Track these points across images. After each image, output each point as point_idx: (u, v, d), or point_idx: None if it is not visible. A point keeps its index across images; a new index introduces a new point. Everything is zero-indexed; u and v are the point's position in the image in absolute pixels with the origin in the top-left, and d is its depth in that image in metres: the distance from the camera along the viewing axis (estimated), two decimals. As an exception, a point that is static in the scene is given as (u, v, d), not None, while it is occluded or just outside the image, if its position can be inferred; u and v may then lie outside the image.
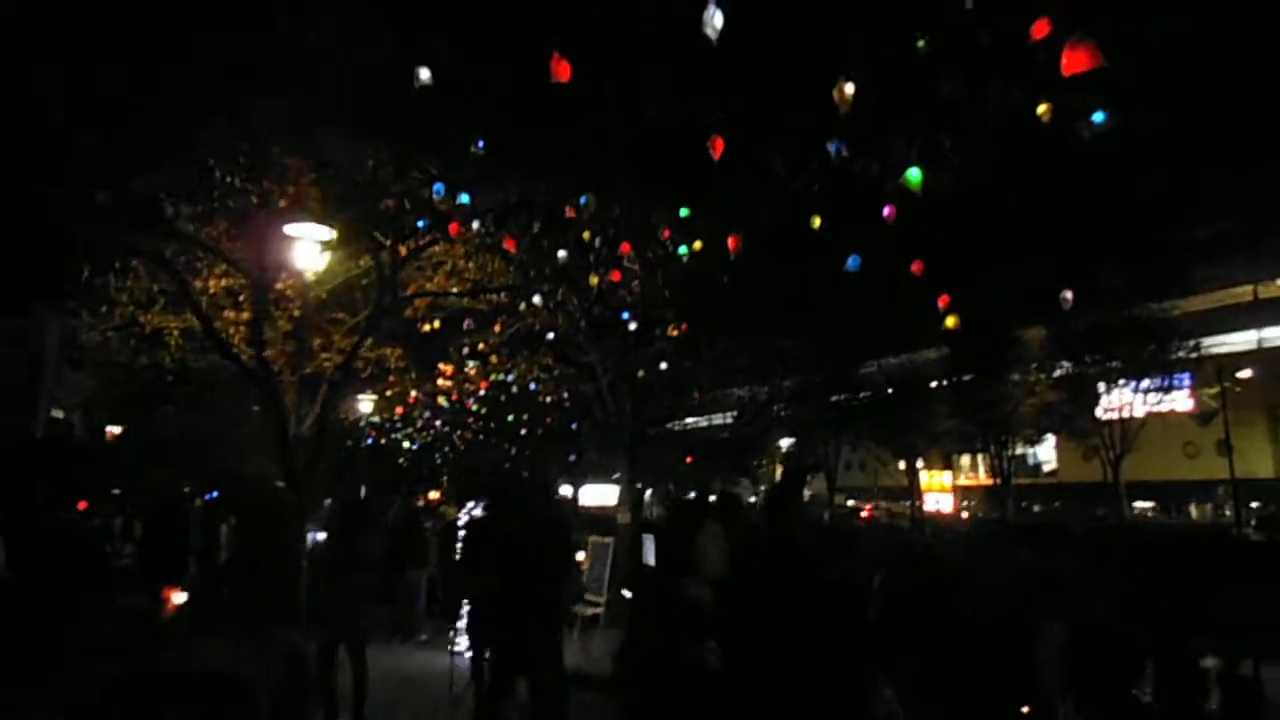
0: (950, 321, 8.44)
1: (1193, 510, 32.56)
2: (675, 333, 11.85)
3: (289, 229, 10.10)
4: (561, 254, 9.77)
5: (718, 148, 5.71)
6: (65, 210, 10.21)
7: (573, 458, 26.10)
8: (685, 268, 10.21)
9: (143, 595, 10.63)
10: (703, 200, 8.15)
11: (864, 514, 33.59)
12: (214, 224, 10.97)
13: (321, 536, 8.94)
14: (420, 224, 9.37)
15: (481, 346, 13.88)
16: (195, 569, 11.33)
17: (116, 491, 22.48)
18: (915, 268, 7.39)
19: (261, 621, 7.58)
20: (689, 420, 28.70)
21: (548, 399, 15.02)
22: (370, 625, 7.54)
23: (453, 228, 9.12)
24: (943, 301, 8.30)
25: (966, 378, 31.02)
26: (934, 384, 32.48)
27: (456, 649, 9.62)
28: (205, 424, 22.92)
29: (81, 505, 15.49)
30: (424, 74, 6.05)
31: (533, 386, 14.36)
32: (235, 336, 12.54)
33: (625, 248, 9.33)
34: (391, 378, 16.12)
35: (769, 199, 7.71)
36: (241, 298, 12.82)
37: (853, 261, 7.16)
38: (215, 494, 19.18)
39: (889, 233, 6.51)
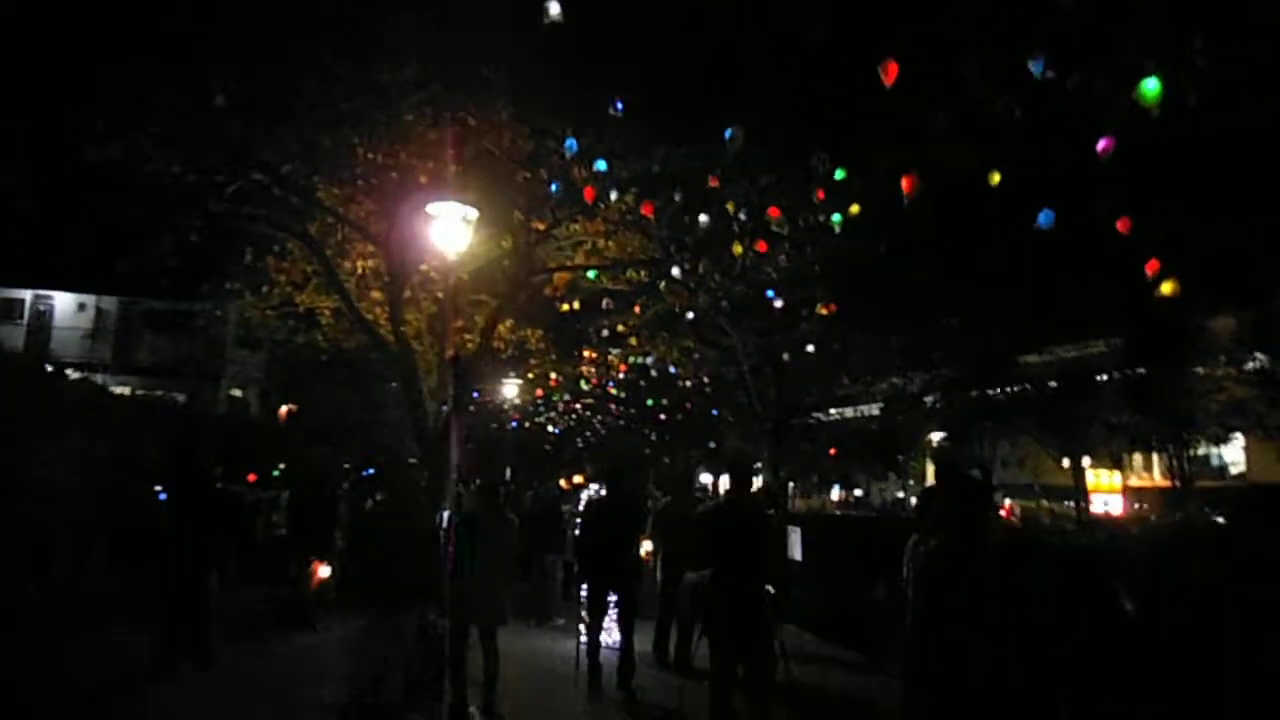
0: (1167, 288, 6.99)
1: None
2: (825, 311, 10.93)
3: (431, 208, 9.89)
4: (703, 219, 9.03)
5: (891, 72, 4.84)
6: (224, 195, 10.39)
7: (713, 445, 25.36)
8: (837, 240, 9.30)
9: (289, 567, 10.74)
10: (861, 159, 7.28)
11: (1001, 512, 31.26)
12: (359, 203, 10.92)
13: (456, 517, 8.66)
14: (553, 187, 8.86)
15: (621, 328, 13.39)
16: (342, 543, 11.38)
17: (282, 466, 23.54)
18: (1121, 225, 6.18)
19: (399, 598, 7.31)
20: (832, 411, 27.35)
21: (687, 383, 14.38)
22: (505, 608, 7.10)
23: (588, 193, 8.60)
24: (1151, 268, 6.97)
25: (1142, 370, 28.15)
26: (1103, 377, 29.67)
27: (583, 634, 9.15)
28: (361, 405, 23.64)
29: (250, 478, 16.14)
30: (554, 9, 5.50)
31: (672, 370, 13.74)
32: (381, 316, 12.58)
33: (774, 211, 8.50)
34: (532, 360, 15.91)
35: (945, 136, 6.65)
36: (388, 279, 12.88)
37: (1045, 217, 6.08)
38: (371, 471, 19.68)
39: (1093, 178, 5.40)
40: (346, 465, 20.38)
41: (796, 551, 9.00)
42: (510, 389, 18.60)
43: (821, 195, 8.32)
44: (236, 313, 23.18)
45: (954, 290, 13.06)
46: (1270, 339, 25.75)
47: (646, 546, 10.01)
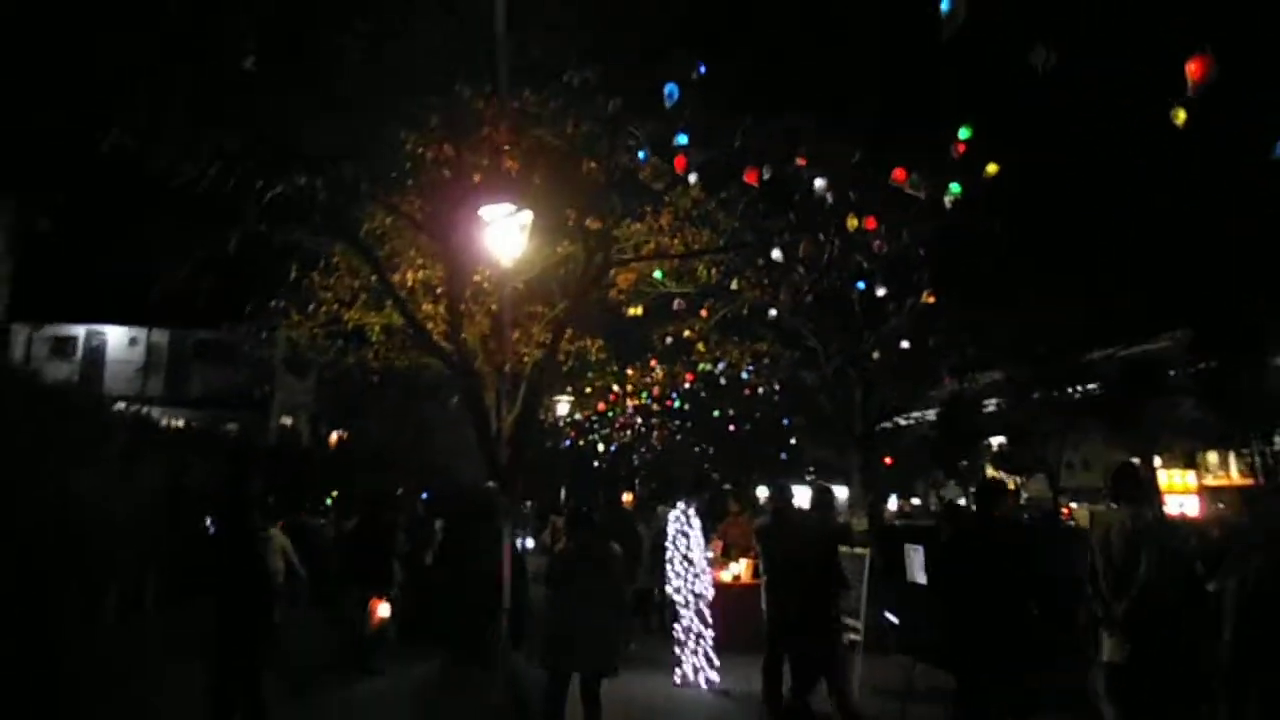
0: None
1: None
2: (930, 299, 9.70)
3: (484, 211, 8.94)
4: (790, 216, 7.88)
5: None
6: (262, 201, 9.50)
7: (784, 456, 23.93)
8: (944, 218, 8.11)
9: (343, 605, 9.72)
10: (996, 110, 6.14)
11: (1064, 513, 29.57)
12: (410, 202, 9.94)
13: (530, 544, 7.57)
14: (641, 156, 7.76)
15: (688, 334, 12.26)
16: (402, 575, 10.35)
17: (335, 494, 22.68)
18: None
19: (471, 639, 6.22)
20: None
21: (759, 390, 13.22)
22: (616, 653, 5.94)
23: (679, 162, 7.52)
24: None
25: (1214, 364, 26.40)
26: (1173, 372, 27.88)
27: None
28: (412, 429, 22.77)
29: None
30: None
31: (744, 375, 12.59)
32: (434, 331, 11.60)
33: (900, 174, 7.26)
34: (590, 374, 14.82)
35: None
36: (439, 290, 11.92)
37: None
38: (426, 495, 18.69)
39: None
40: (400, 490, 19.48)
41: (919, 574, 7.79)
42: (564, 406, 17.57)
43: (962, 149, 7.07)
44: (284, 339, 22.52)
45: (1031, 280, 11.78)
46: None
47: (739, 568, 8.83)
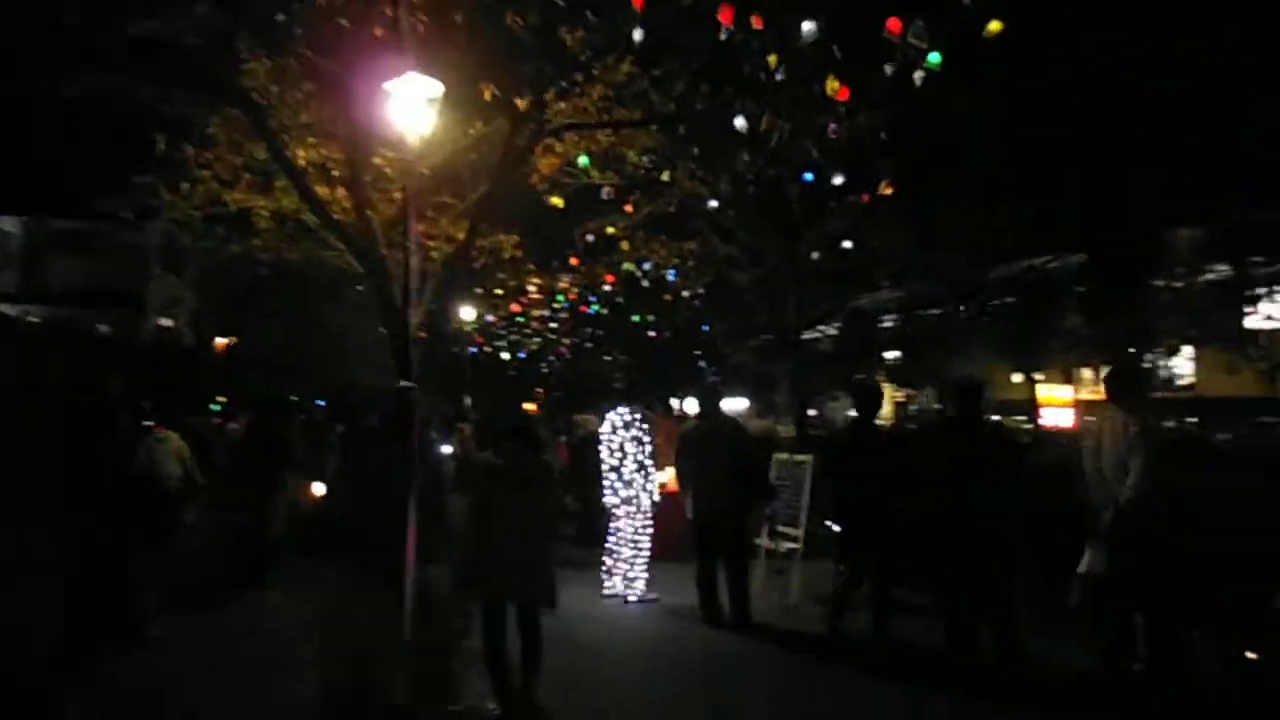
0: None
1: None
2: (889, 190, 8.94)
3: (388, 85, 7.64)
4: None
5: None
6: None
7: (703, 364, 23.15)
8: (906, 105, 7.31)
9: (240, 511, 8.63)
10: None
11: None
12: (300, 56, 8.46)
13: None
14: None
15: (612, 231, 11.25)
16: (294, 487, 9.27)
17: (223, 400, 20.96)
18: None
19: (381, 557, 5.28)
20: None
21: (684, 293, 12.40)
22: (554, 583, 5.06)
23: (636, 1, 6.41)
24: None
25: (1102, 285, 27.21)
26: (1070, 291, 28.60)
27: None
28: (309, 334, 21.10)
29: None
30: None
31: (671, 276, 11.71)
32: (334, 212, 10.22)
33: (894, 24, 6.31)
34: (501, 274, 13.68)
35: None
36: (335, 173, 10.48)
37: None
38: (324, 402, 17.30)
39: None
40: (295, 398, 18.08)
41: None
42: (470, 311, 16.34)
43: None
44: (160, 236, 20.22)
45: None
46: (1232, 249, 25.01)
47: (665, 476, 8.18)
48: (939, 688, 5.36)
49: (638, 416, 7.59)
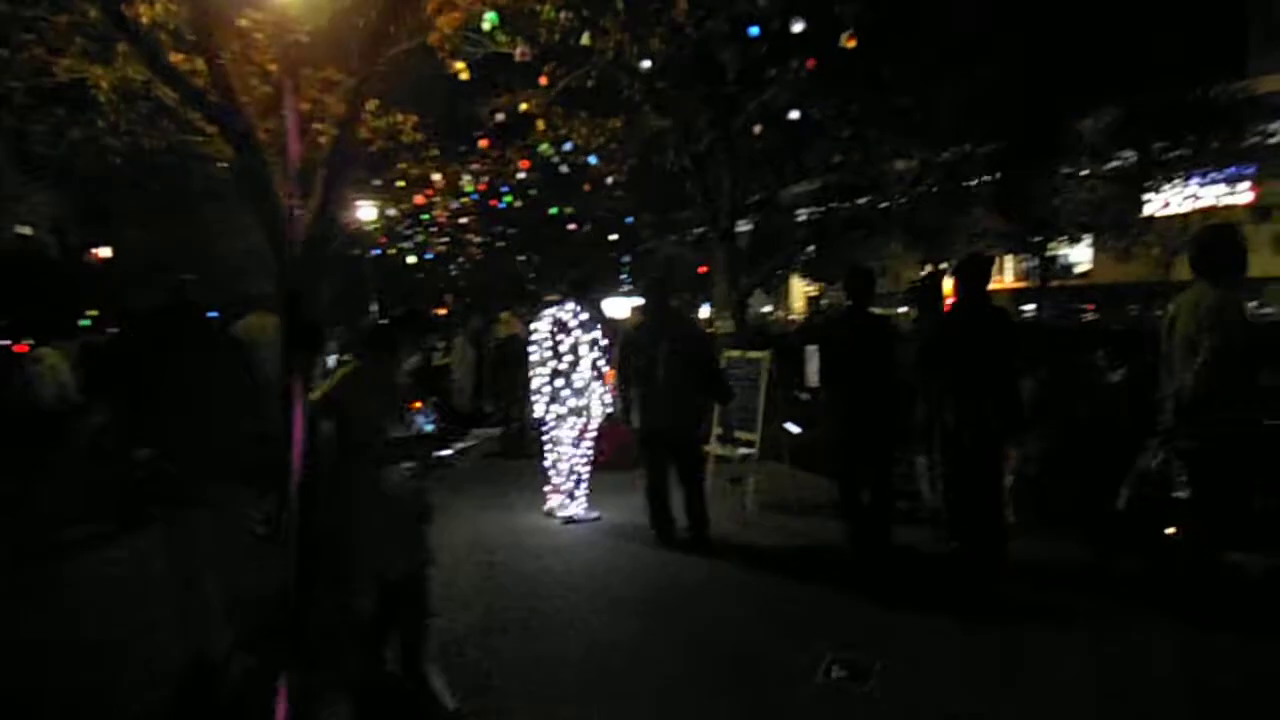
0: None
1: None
2: (852, 43, 7.71)
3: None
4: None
5: None
6: None
7: (626, 258, 21.58)
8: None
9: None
10: None
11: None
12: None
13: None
14: None
15: (524, 108, 9.75)
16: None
17: (94, 314, 18.75)
18: None
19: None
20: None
21: (607, 179, 11.01)
22: (425, 545, 3.75)
23: None
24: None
25: (1011, 173, 26.92)
26: (975, 181, 28.25)
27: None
28: (189, 240, 18.83)
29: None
30: None
31: (591, 161, 10.32)
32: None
33: None
34: (402, 164, 12.01)
35: None
36: (191, 36, 8.58)
37: None
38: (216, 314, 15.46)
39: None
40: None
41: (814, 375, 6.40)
42: (370, 210, 14.58)
43: None
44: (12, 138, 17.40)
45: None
46: (1135, 136, 24.97)
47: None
48: (929, 602, 4.63)
49: (589, 315, 6.43)
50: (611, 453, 7.56)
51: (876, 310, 5.76)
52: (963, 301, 5.10)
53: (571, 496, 6.60)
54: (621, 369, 5.91)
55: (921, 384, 5.34)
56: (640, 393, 5.78)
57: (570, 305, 6.44)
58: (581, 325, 6.40)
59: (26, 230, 22.21)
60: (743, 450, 6.53)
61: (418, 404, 3.90)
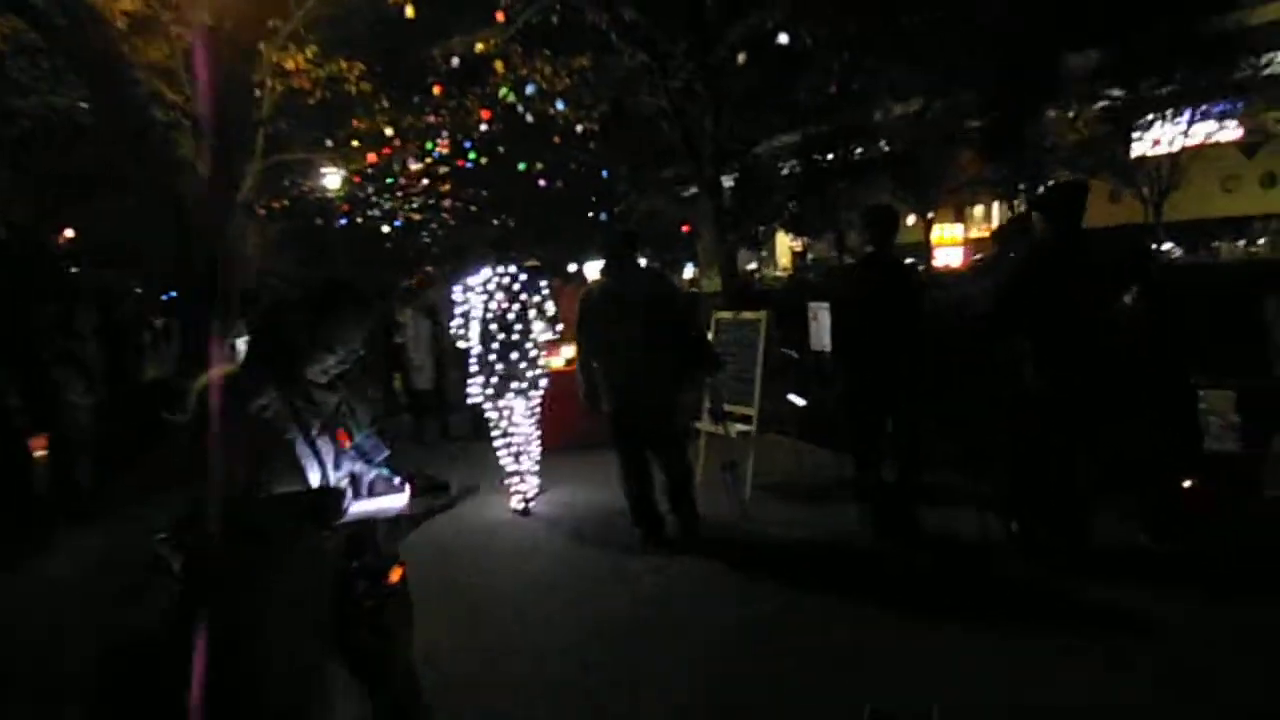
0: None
1: (1221, 247, 28.59)
2: None
3: None
4: None
5: None
6: None
7: (604, 216, 20.09)
8: None
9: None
10: None
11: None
12: None
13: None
14: None
15: (481, 48, 8.55)
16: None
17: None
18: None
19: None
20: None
21: (578, 128, 9.79)
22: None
23: None
24: None
25: (997, 118, 25.76)
26: (966, 126, 27.05)
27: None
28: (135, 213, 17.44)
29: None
30: None
31: (558, 106, 9.13)
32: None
33: None
34: (356, 121, 10.83)
35: None
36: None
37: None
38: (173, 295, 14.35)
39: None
40: (139, 290, 14.96)
41: (826, 339, 5.41)
42: (333, 179, 13.30)
43: None
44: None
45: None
46: (1127, 74, 23.81)
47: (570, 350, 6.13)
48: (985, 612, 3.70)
49: (525, 274, 5.40)
50: (565, 429, 6.58)
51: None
52: (1058, 237, 4.00)
53: (529, 484, 5.67)
54: (582, 340, 4.88)
55: (993, 338, 4.28)
56: (606, 366, 4.76)
57: (498, 264, 5.40)
58: (527, 289, 5.39)
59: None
60: (739, 427, 5.54)
61: (344, 437, 2.36)
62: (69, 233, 23.10)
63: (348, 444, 2.34)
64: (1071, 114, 25.28)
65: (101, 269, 18.20)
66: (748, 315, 5.71)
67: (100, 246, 19.42)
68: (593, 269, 18.18)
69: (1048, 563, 4.03)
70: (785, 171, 30.02)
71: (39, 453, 6.25)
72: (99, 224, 18.73)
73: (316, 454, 2.26)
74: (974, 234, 34.10)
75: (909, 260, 9.55)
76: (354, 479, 2.39)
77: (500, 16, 8.33)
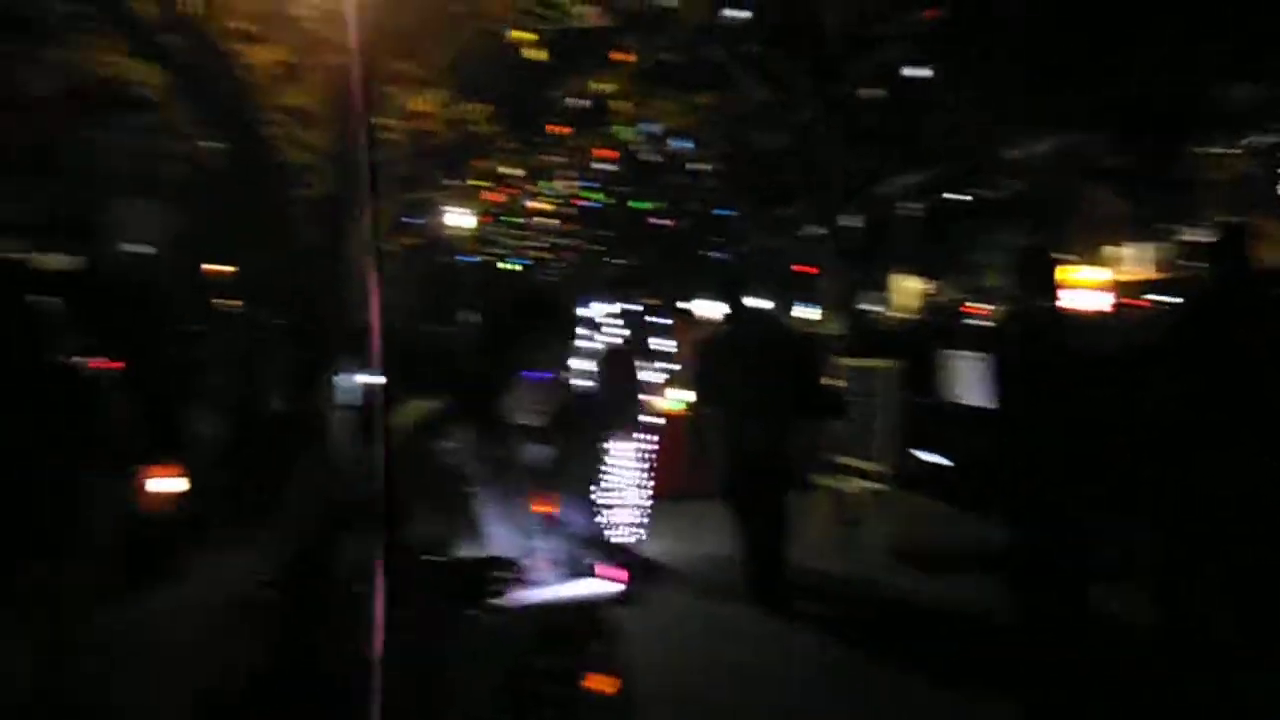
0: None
1: None
2: None
3: None
4: None
5: None
6: None
7: (723, 256, 19.69)
8: None
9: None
10: None
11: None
12: None
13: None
14: None
15: (601, 87, 8.49)
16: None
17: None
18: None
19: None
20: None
21: (698, 166, 9.61)
22: None
23: None
24: None
25: (1144, 153, 23.99)
26: (1098, 165, 25.35)
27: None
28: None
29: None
30: None
31: (680, 145, 8.95)
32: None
33: None
34: (482, 162, 10.98)
35: None
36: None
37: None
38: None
39: None
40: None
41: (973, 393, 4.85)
42: (468, 215, 13.46)
43: None
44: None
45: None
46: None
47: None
48: None
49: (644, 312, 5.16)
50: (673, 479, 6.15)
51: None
52: (1233, 281, 3.43)
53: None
54: (701, 389, 4.60)
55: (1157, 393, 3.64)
56: (722, 414, 4.44)
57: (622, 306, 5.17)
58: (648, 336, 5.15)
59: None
60: (864, 484, 5.04)
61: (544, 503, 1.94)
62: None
63: (547, 510, 1.90)
64: (1226, 150, 23.31)
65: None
66: (874, 363, 5.25)
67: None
68: (708, 308, 17.74)
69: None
70: (911, 211, 29.03)
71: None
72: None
73: (505, 515, 1.84)
74: (1120, 276, 31.71)
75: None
76: (562, 555, 1.91)
77: (620, 56, 8.28)
